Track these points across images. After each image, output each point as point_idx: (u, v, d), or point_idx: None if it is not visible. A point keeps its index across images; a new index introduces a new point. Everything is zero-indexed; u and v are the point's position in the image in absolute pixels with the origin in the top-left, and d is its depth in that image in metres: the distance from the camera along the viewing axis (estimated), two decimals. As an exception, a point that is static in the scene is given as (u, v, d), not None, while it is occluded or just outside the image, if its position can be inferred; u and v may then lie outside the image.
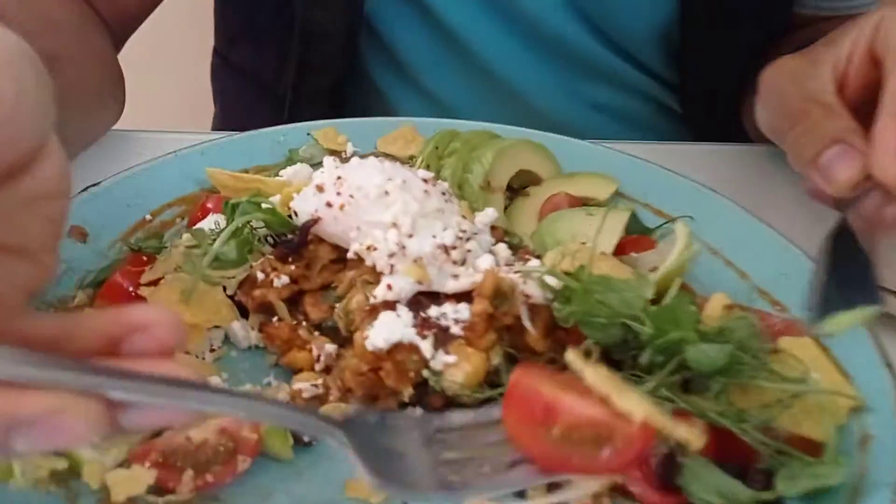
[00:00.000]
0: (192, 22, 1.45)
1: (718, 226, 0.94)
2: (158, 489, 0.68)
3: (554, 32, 1.23)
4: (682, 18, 1.20)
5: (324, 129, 1.06)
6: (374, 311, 0.75)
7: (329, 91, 1.28)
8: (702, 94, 1.29)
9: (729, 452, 0.69)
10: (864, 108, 0.80)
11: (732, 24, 1.21)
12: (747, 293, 0.87)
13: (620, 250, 0.89)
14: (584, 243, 0.83)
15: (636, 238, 0.92)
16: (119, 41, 1.21)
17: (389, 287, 0.75)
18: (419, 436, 0.59)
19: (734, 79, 1.25)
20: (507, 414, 0.60)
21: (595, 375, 0.59)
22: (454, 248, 0.78)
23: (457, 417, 0.61)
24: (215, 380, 0.76)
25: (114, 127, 1.12)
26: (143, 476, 0.67)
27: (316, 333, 0.81)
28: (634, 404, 0.57)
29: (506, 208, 0.97)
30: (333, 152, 1.02)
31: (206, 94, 1.51)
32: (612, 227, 0.90)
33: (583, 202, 0.95)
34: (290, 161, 1.02)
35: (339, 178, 0.83)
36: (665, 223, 0.95)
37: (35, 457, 0.67)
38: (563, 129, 1.06)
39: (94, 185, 0.94)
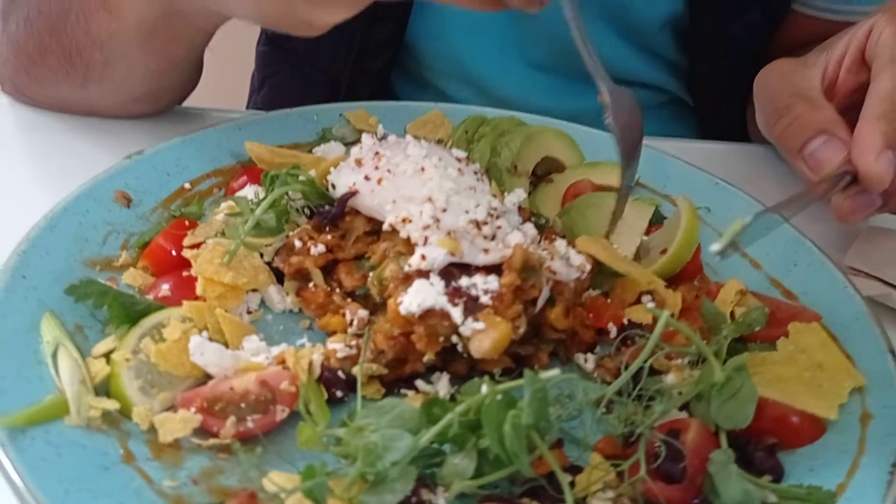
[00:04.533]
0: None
1: (732, 217, 0.97)
2: (203, 433, 0.72)
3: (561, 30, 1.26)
4: (691, 4, 1.24)
5: (356, 111, 1.10)
6: (407, 279, 0.79)
7: (380, 72, 1.33)
8: (711, 79, 1.32)
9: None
10: (857, 110, 0.84)
11: (738, 9, 1.24)
12: (761, 282, 0.91)
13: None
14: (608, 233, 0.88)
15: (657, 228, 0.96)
16: None
17: (423, 257, 0.79)
18: None
19: (741, 65, 1.28)
20: None
21: None
22: (485, 223, 0.82)
23: None
24: (253, 338, 0.81)
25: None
26: (189, 420, 0.71)
27: (348, 300, 0.85)
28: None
29: (529, 194, 1.01)
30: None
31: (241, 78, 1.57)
32: (639, 219, 0.94)
33: (605, 190, 0.99)
34: (324, 139, 1.06)
35: (377, 153, 0.87)
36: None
37: (88, 397, 0.71)
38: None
39: (136, 153, 0.99)
